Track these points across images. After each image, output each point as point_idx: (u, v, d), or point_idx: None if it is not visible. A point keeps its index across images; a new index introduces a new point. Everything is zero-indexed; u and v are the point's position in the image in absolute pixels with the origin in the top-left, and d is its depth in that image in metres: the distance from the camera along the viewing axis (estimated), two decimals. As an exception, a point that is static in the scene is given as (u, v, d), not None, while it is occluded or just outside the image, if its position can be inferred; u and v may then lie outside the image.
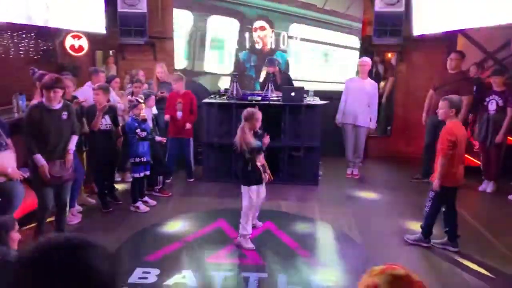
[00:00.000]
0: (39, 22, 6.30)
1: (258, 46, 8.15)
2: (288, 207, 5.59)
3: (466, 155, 7.07)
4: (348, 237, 4.77)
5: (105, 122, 5.27)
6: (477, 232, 4.92)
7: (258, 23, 8.17)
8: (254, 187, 4.41)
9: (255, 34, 8.16)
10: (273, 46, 8.11)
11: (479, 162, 6.65)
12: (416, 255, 4.35)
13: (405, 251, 4.42)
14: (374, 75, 10.37)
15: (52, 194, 4.24)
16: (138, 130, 5.14)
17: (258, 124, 4.40)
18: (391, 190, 6.28)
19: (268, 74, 6.75)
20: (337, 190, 6.27)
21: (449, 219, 4.40)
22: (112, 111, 5.32)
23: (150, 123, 5.58)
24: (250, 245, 4.37)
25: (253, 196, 4.41)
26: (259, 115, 4.37)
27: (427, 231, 4.46)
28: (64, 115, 4.13)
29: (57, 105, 4.08)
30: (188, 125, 6.30)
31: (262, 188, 4.56)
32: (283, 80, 6.99)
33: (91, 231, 4.83)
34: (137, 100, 5.25)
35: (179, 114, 6.23)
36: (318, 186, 6.38)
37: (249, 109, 4.41)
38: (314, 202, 5.78)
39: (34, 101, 4.62)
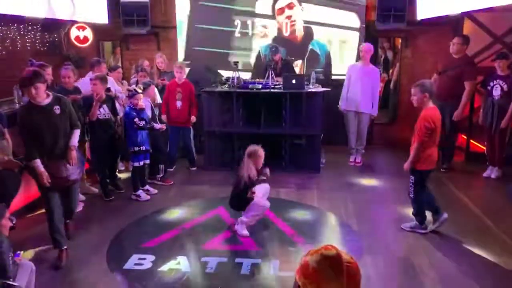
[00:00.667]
0: (44, 14, 6.37)
1: (286, 33, 7.80)
2: (287, 194, 5.60)
3: (471, 141, 7.07)
4: (346, 224, 4.77)
5: (103, 111, 5.32)
6: (478, 218, 4.87)
7: (282, 1, 7.69)
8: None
9: (280, 18, 7.85)
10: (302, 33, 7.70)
11: (484, 148, 6.55)
12: (412, 242, 4.32)
13: (402, 238, 4.40)
14: (383, 62, 10.32)
15: (58, 198, 3.92)
16: (136, 119, 5.19)
17: (261, 161, 4.53)
18: (393, 177, 6.23)
19: (268, 61, 6.72)
20: (338, 178, 6.25)
21: (426, 198, 4.47)
22: (110, 100, 5.38)
23: (149, 112, 5.63)
24: (245, 232, 4.43)
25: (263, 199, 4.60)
26: (261, 152, 4.50)
27: (420, 217, 4.46)
28: (57, 109, 3.76)
29: (45, 101, 3.72)
30: (193, 118, 6.36)
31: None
32: (284, 68, 6.96)
33: (92, 219, 4.93)
34: (135, 90, 5.30)
35: (178, 103, 6.27)
36: (319, 174, 6.37)
37: (252, 147, 4.52)
38: (313, 189, 5.78)
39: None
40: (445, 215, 4.43)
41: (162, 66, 7.07)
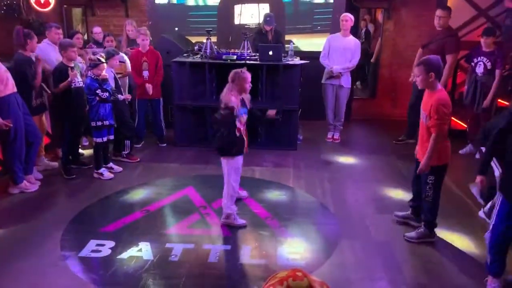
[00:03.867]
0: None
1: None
2: (262, 173, 5.29)
3: (452, 118, 6.85)
4: (322, 205, 4.50)
5: (77, 79, 4.90)
6: (460, 201, 4.66)
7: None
8: (239, 157, 3.93)
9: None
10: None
11: (465, 126, 6.36)
12: (392, 226, 4.08)
13: (381, 222, 4.15)
14: (364, 35, 9.95)
15: None
16: (98, 91, 4.75)
17: (247, 86, 3.79)
18: (372, 154, 5.99)
19: (244, 33, 6.28)
20: (316, 155, 5.96)
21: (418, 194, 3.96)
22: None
23: (112, 83, 5.17)
24: (240, 221, 3.98)
25: (240, 167, 3.98)
26: (246, 74, 3.77)
27: (433, 223, 3.77)
28: None
29: None
30: (148, 86, 5.86)
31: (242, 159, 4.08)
32: (274, 38, 6.54)
33: (49, 199, 4.55)
34: (98, 59, 4.82)
35: (145, 73, 5.81)
36: (296, 151, 6.07)
37: (235, 70, 3.83)
38: (290, 168, 5.49)
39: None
40: (432, 240, 3.82)
41: (132, 34, 6.56)
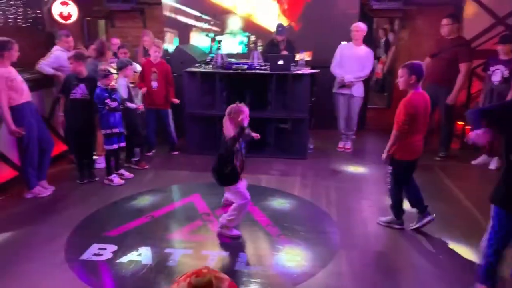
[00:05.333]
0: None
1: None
2: (268, 181, 5.33)
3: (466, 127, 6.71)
4: (325, 214, 4.50)
5: (80, 91, 5.06)
6: (468, 212, 4.56)
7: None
8: (241, 183, 3.95)
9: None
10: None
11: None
12: (393, 237, 4.04)
13: (382, 233, 4.12)
14: (385, 44, 9.90)
15: None
16: (107, 100, 4.91)
17: (243, 118, 3.76)
18: (383, 165, 5.91)
19: (255, 43, 6.38)
20: (325, 164, 5.96)
21: (410, 195, 4.12)
22: (89, 80, 5.08)
23: (125, 92, 5.34)
24: (235, 232, 3.99)
25: (244, 189, 3.97)
26: (243, 108, 3.79)
27: (396, 210, 4.13)
28: None
29: None
30: (175, 100, 6.08)
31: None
32: (287, 49, 6.61)
33: (60, 204, 4.71)
34: (108, 71, 5.00)
35: (154, 84, 5.96)
36: (305, 160, 6.08)
37: (232, 105, 3.86)
38: (297, 176, 5.50)
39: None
40: (430, 217, 4.05)
41: (149, 44, 6.75)
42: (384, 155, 4.01)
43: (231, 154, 3.77)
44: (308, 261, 3.62)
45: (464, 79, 5.89)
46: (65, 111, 5.17)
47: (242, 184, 3.97)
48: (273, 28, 7.11)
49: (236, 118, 3.75)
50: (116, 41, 6.90)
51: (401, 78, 3.83)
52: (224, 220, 3.96)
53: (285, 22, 7.49)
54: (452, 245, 3.88)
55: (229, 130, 3.76)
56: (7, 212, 4.52)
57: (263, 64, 6.24)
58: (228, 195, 4.04)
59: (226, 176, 3.83)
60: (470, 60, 5.85)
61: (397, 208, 4.12)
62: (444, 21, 5.86)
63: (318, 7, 7.36)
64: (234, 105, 3.84)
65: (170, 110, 6.18)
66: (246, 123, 3.80)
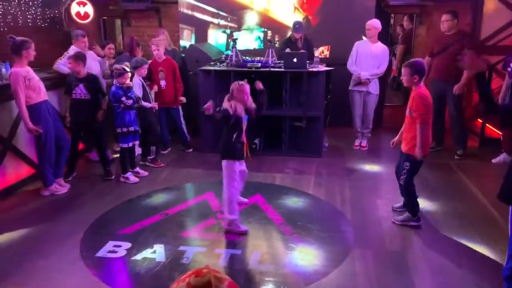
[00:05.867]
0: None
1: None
2: (283, 180, 5.31)
3: (488, 125, 6.58)
4: (339, 213, 4.46)
5: (79, 91, 5.10)
6: (485, 211, 4.47)
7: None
8: (238, 162, 4.00)
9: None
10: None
11: (500, 134, 6.09)
12: (407, 235, 3.98)
13: (397, 231, 4.06)
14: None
15: None
16: (123, 98, 4.95)
17: (245, 97, 3.82)
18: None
19: (270, 40, 6.35)
20: (340, 163, 5.91)
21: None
22: (88, 80, 5.12)
23: (140, 91, 5.38)
24: (242, 228, 4.01)
25: (239, 173, 4.01)
26: (244, 87, 3.82)
27: (412, 207, 4.12)
28: None
29: None
30: (182, 99, 6.10)
31: (244, 165, 4.17)
32: (304, 46, 6.58)
33: (76, 201, 4.77)
34: (123, 69, 5.04)
35: (162, 83, 5.99)
36: (320, 159, 6.04)
37: (235, 82, 3.94)
38: (311, 175, 5.46)
39: (15, 69, 4.50)
40: (416, 224, 4.09)
41: (165, 43, 6.78)
42: (419, 153, 3.89)
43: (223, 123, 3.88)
44: (321, 260, 3.59)
45: (472, 68, 5.83)
46: (70, 110, 5.23)
47: (239, 168, 3.98)
48: (290, 23, 7.08)
49: (239, 96, 3.81)
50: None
51: (404, 77, 3.97)
52: (229, 216, 3.98)
53: (301, 16, 7.46)
54: (470, 244, 3.80)
55: (226, 103, 3.83)
56: (24, 209, 4.60)
57: (277, 61, 6.21)
58: (223, 172, 3.99)
59: (227, 146, 3.90)
60: (476, 49, 5.82)
61: (413, 204, 4.10)
62: (445, 17, 5.89)
63: (337, 1, 7.30)
64: (236, 83, 3.89)
65: (180, 108, 6.19)
66: (247, 102, 3.86)
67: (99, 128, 5.25)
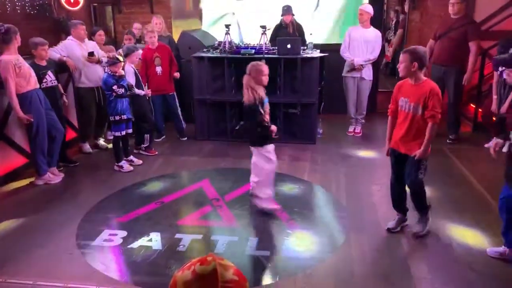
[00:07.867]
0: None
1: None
2: (278, 167, 5.20)
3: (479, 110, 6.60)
4: (334, 199, 4.48)
5: (49, 78, 5.00)
6: (479, 195, 4.51)
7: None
8: (270, 146, 4.04)
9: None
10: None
11: (494, 118, 6.10)
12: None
13: (392, 217, 4.06)
14: (395, 27, 9.72)
15: None
16: (114, 87, 4.90)
17: (263, 77, 3.84)
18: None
19: (262, 26, 6.27)
20: (334, 149, 5.91)
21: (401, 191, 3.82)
22: (51, 66, 5.03)
23: (132, 79, 5.32)
24: (274, 205, 4.07)
25: (273, 156, 4.06)
26: (263, 67, 3.84)
27: (423, 202, 3.72)
28: None
29: None
30: (176, 74, 6.10)
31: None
32: (295, 31, 6.52)
33: (70, 190, 4.74)
34: (116, 58, 4.97)
35: (158, 69, 5.93)
36: (315, 145, 6.04)
37: (253, 62, 3.91)
38: (306, 162, 5.47)
39: (5, 56, 4.43)
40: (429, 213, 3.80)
41: (159, 29, 6.70)
42: (423, 153, 3.45)
43: (258, 116, 3.84)
44: (318, 246, 3.61)
45: (476, 58, 5.78)
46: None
47: (271, 147, 4.05)
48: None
49: (257, 77, 3.80)
50: (137, 25, 6.91)
51: (402, 64, 3.42)
52: (261, 194, 4.04)
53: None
54: (464, 228, 3.84)
55: (253, 91, 3.79)
56: (18, 198, 4.58)
57: (271, 48, 6.17)
58: (253, 159, 4.04)
59: (255, 132, 3.92)
60: (479, 37, 5.75)
61: (424, 197, 3.70)
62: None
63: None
64: (254, 63, 3.87)
65: (175, 94, 6.17)
66: (265, 82, 3.85)
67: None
